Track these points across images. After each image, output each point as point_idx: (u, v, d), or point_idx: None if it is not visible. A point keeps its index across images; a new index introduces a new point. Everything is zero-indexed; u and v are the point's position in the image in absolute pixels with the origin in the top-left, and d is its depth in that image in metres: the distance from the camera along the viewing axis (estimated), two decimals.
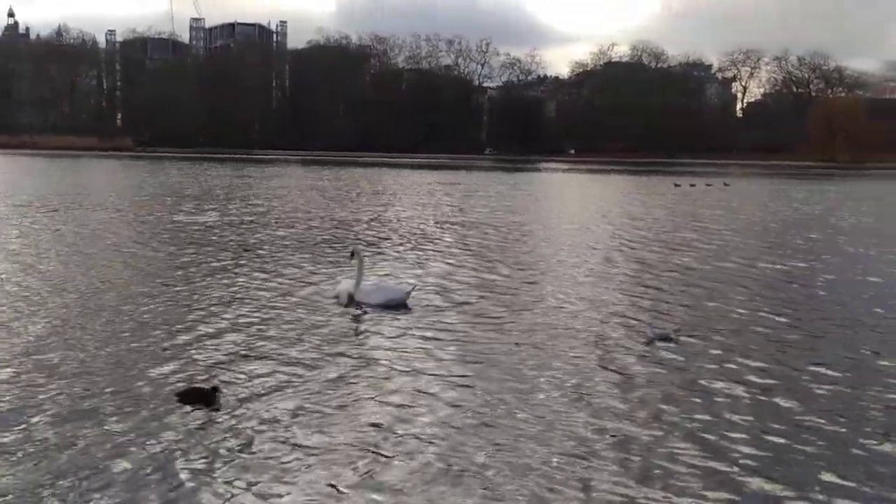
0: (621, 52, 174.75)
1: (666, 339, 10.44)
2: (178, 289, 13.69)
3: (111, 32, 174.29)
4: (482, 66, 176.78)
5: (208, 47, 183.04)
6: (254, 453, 6.72)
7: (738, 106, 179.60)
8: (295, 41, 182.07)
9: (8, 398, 7.84)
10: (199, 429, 7.22)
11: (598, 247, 20.95)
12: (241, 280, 14.73)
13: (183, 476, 6.26)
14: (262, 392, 8.19)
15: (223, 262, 16.86)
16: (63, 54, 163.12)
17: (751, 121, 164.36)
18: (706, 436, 7.28)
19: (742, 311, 12.76)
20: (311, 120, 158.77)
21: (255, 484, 6.15)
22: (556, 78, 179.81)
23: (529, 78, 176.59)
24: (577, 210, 33.66)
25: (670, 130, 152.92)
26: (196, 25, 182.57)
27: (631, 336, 10.83)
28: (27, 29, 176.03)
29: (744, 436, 7.30)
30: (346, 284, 13.04)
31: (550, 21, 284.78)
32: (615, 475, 6.40)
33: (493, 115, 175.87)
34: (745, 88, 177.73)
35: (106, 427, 7.18)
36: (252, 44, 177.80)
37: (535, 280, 15.43)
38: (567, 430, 7.32)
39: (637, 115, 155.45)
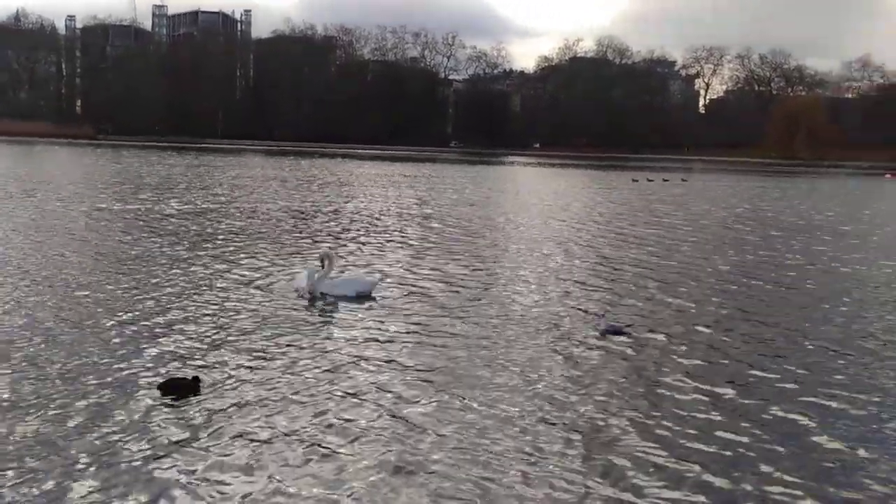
0: (586, 47, 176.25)
1: (617, 332, 10.56)
2: (137, 278, 13.44)
3: (71, 18, 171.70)
4: (448, 58, 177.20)
5: (171, 35, 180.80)
6: (241, 441, 6.71)
7: (701, 103, 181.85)
8: (259, 30, 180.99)
9: None
10: (184, 419, 7.17)
11: (554, 240, 21.04)
12: (198, 270, 14.53)
13: (176, 467, 6.24)
14: (239, 382, 8.15)
15: (181, 252, 16.61)
16: (21, 39, 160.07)
17: (713, 117, 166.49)
18: (650, 426, 7.35)
19: (688, 304, 12.90)
20: (276, 110, 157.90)
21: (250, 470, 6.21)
22: (522, 72, 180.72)
23: (495, 72, 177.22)
24: (535, 203, 33.74)
25: (634, 126, 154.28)
26: (159, 13, 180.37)
27: (583, 329, 10.89)
28: None
29: (687, 426, 7.39)
30: (305, 275, 12.95)
31: (516, 15, 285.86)
32: (561, 467, 6.43)
33: (458, 108, 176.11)
34: (707, 85, 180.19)
35: (97, 422, 7.06)
36: (216, 32, 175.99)
37: (492, 272, 15.46)
38: (516, 422, 7.35)
39: (601, 110, 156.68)
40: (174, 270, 14.39)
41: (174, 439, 6.74)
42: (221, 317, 10.92)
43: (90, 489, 5.84)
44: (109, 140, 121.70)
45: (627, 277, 15.37)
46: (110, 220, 21.83)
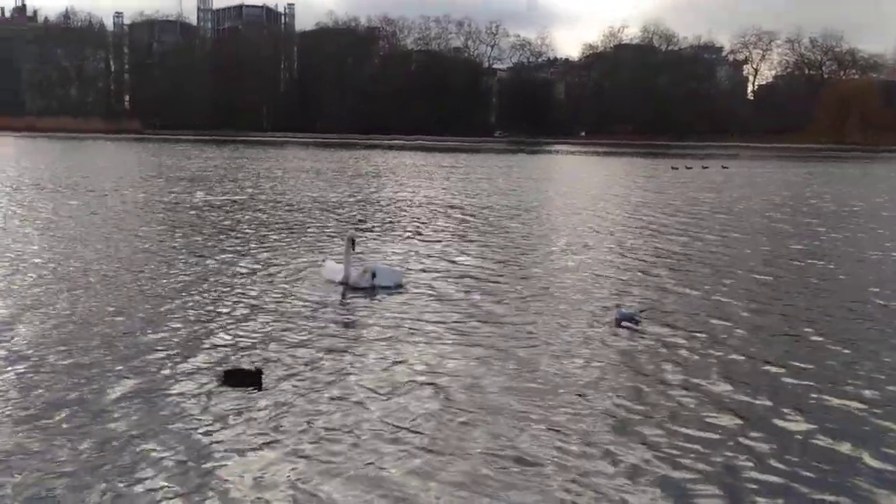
0: (632, 34, 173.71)
1: (633, 320, 10.22)
2: (165, 271, 13.43)
3: (119, 15, 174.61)
4: (492, 47, 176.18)
5: (216, 29, 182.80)
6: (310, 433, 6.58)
7: (749, 88, 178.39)
8: (303, 23, 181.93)
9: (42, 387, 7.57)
10: (249, 410, 7.04)
11: (575, 229, 20.61)
12: (221, 261, 14.44)
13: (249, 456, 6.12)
14: (297, 374, 8.02)
15: (199, 243, 16.60)
16: (70, 37, 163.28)
17: (762, 103, 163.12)
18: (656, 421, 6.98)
19: (702, 294, 12.41)
20: (320, 103, 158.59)
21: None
22: (566, 60, 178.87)
23: (539, 60, 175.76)
24: (565, 192, 33.23)
25: (680, 113, 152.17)
26: (204, 7, 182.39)
27: (600, 317, 10.59)
28: (34, 12, 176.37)
29: (678, 422, 6.99)
30: (331, 265, 12.81)
31: (560, 2, 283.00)
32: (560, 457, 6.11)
33: (502, 97, 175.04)
34: (756, 71, 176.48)
35: (162, 412, 6.97)
36: (260, 26, 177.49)
37: (519, 263, 15.10)
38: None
39: (647, 97, 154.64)
40: (187, 264, 14.28)
41: (240, 431, 6.59)
42: (260, 308, 10.79)
43: (160, 479, 5.73)
44: (157, 135, 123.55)
45: (643, 266, 14.91)
46: (141, 211, 21.96)
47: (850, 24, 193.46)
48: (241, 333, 9.47)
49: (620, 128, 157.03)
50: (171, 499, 5.44)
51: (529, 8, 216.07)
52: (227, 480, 5.72)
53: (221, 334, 9.41)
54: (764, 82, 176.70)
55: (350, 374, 8.08)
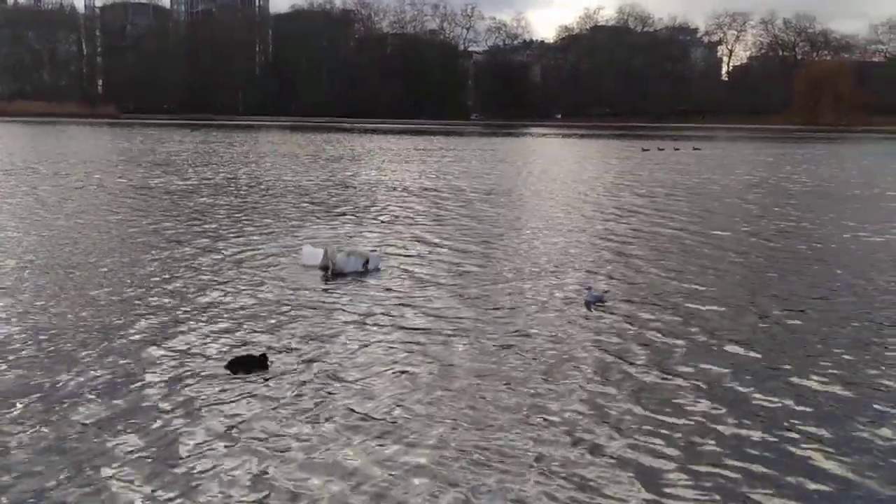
0: (607, 15, 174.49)
1: (601, 300, 10.44)
2: (138, 257, 13.45)
3: None
4: (468, 30, 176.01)
5: (190, 12, 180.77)
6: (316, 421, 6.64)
7: (724, 69, 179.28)
8: (278, 6, 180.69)
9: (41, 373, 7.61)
10: (258, 396, 7.11)
11: (555, 211, 20.83)
12: (195, 248, 14.42)
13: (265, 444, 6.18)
14: (299, 359, 8.08)
15: (170, 229, 16.64)
16: (41, 20, 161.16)
17: (736, 85, 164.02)
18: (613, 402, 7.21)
19: (673, 276, 12.60)
20: (295, 86, 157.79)
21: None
22: (542, 42, 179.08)
23: (515, 42, 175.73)
24: (542, 175, 33.37)
25: (656, 95, 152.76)
26: None
27: (570, 299, 10.77)
28: None
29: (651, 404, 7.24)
30: (309, 250, 12.85)
31: None
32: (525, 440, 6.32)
33: (479, 80, 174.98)
34: (731, 52, 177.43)
35: (176, 399, 7.03)
36: (234, 8, 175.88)
37: (493, 245, 15.24)
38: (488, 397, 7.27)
39: (623, 79, 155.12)
40: (163, 250, 14.32)
41: (249, 414, 6.69)
42: (244, 295, 10.76)
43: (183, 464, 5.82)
44: (132, 118, 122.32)
45: (614, 247, 15.16)
46: (126, 197, 21.93)
47: (823, 6, 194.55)
48: (225, 323, 9.41)
49: (597, 110, 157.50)
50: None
51: None
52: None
53: (202, 325, 9.35)
54: (738, 63, 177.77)
55: (348, 357, 8.17)
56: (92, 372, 7.60)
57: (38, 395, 7.01)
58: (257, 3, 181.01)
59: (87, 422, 6.47)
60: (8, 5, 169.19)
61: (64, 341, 8.53)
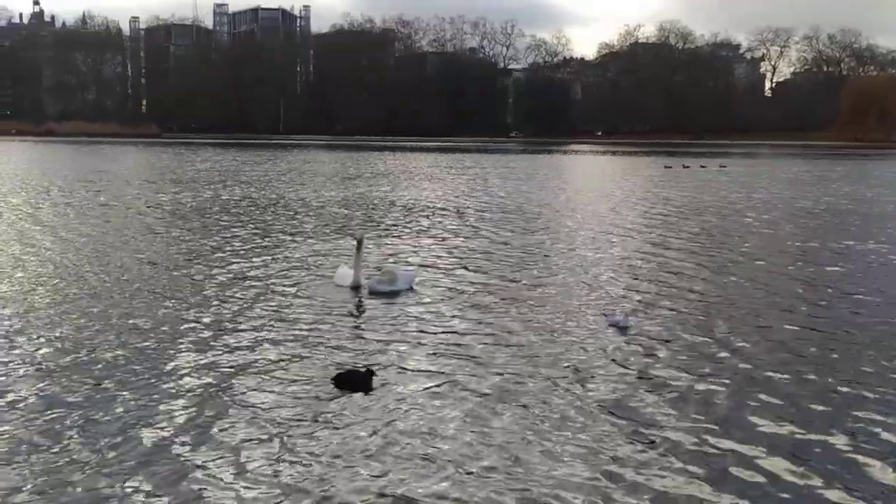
0: (648, 32, 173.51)
1: (622, 325, 9.97)
2: (189, 271, 13.23)
3: (135, 20, 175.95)
4: (507, 47, 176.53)
5: (232, 33, 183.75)
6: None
7: (767, 86, 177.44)
8: (319, 25, 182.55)
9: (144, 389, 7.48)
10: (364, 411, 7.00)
11: (582, 229, 20.23)
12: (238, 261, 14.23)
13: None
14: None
15: (214, 245, 16.42)
16: (88, 42, 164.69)
17: (780, 101, 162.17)
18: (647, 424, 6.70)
19: (698, 295, 11.99)
20: (336, 105, 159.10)
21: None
22: (582, 59, 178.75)
23: (555, 60, 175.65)
24: (571, 193, 32.71)
25: (697, 112, 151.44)
26: (219, 11, 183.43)
27: (590, 322, 10.33)
28: (52, 17, 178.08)
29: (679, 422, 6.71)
30: (344, 271, 12.48)
31: (575, 1, 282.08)
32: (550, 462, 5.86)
33: (518, 97, 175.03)
34: (774, 68, 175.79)
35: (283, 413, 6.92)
36: (276, 28, 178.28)
37: (519, 266, 14.75)
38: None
39: (663, 96, 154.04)
40: (217, 263, 14.09)
41: (354, 433, 6.54)
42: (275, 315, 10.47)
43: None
44: (174, 138, 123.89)
45: (636, 270, 14.52)
46: (165, 212, 21.89)
47: (868, 20, 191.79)
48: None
49: (638, 126, 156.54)
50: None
51: None
52: None
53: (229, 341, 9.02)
54: (782, 79, 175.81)
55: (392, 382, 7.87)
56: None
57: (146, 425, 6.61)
58: (298, 24, 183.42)
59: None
60: (56, 29, 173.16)
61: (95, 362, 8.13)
